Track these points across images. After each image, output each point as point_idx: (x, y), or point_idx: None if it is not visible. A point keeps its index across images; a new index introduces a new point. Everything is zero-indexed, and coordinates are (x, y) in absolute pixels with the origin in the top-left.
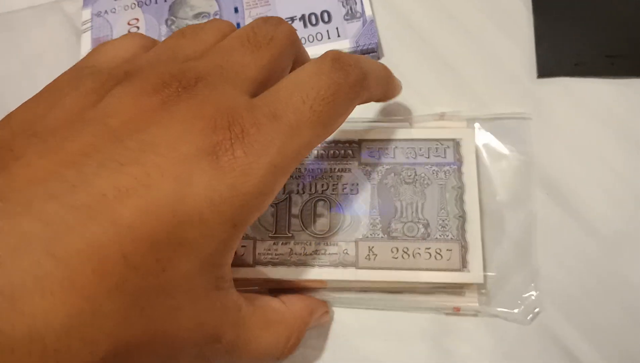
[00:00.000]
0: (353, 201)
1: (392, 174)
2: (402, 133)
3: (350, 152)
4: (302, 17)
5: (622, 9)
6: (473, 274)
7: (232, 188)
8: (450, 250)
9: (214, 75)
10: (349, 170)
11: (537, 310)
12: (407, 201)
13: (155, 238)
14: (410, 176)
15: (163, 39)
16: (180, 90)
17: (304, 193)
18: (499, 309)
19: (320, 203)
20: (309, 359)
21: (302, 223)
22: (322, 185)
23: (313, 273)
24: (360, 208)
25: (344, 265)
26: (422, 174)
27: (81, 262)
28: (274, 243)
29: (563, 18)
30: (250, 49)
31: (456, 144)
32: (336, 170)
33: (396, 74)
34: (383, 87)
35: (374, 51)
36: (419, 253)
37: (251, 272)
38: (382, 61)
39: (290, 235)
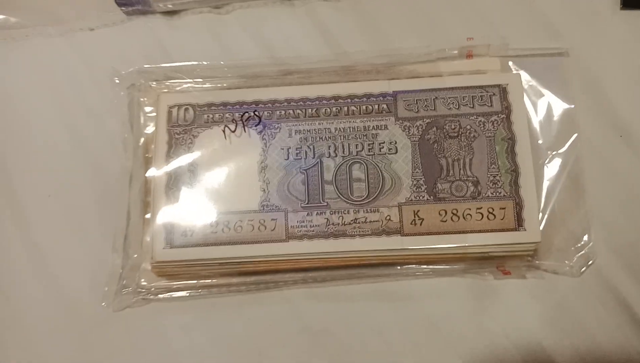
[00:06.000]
0: (392, 162)
1: (434, 128)
2: (441, 81)
3: (385, 106)
4: None
5: None
6: (530, 233)
7: None
8: (504, 209)
9: None
10: (386, 127)
11: (590, 262)
12: (453, 157)
13: None
14: (454, 128)
15: None
16: None
17: (336, 155)
18: (550, 262)
19: (356, 166)
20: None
21: (337, 189)
22: (357, 146)
23: (354, 245)
24: (402, 169)
25: (388, 232)
26: (468, 126)
27: None
28: (308, 214)
29: None
30: None
31: (502, 90)
32: (371, 128)
33: None
34: None
35: None
36: (469, 214)
37: (284, 248)
38: None
39: (325, 203)
